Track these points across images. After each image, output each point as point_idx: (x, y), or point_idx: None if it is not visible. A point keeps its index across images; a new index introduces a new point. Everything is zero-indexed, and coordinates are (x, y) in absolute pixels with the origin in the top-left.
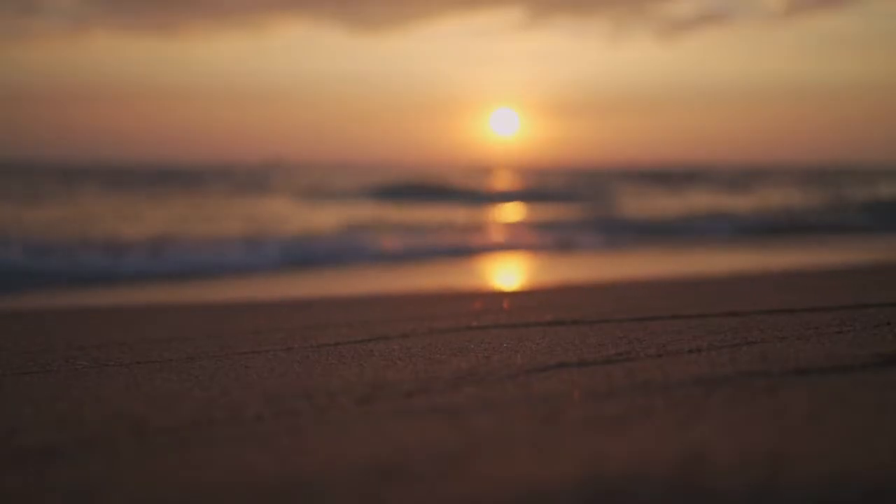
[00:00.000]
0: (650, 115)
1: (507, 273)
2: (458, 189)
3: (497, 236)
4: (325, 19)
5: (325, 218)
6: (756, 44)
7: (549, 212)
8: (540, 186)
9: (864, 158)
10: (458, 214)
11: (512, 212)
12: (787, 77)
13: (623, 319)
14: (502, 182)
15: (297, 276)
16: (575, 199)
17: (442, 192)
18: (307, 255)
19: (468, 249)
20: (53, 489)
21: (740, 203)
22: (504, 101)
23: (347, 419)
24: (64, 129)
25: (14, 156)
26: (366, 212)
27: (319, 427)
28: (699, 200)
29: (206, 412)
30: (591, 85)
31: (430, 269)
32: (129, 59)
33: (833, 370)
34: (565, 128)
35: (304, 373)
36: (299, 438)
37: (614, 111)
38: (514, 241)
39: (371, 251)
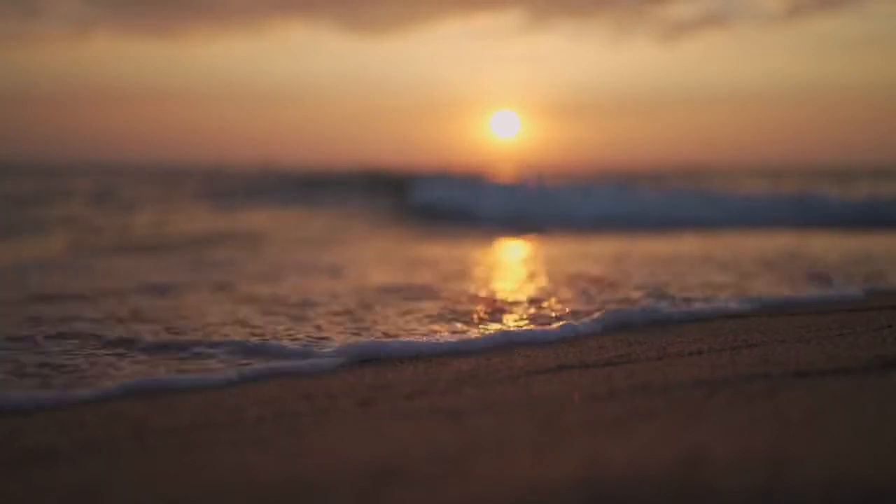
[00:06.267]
0: (652, 117)
1: None
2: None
3: None
4: (326, 22)
5: None
6: (757, 46)
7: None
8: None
9: (864, 159)
10: None
11: None
12: (788, 79)
13: None
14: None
15: None
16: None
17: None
18: None
19: None
20: (55, 490)
21: None
22: (505, 104)
23: (348, 420)
24: (65, 129)
25: (14, 156)
26: None
27: (320, 428)
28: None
29: (207, 414)
30: (591, 87)
31: None
32: (131, 61)
33: (833, 372)
34: (566, 130)
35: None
36: (300, 440)
37: (615, 113)
38: None
39: None
